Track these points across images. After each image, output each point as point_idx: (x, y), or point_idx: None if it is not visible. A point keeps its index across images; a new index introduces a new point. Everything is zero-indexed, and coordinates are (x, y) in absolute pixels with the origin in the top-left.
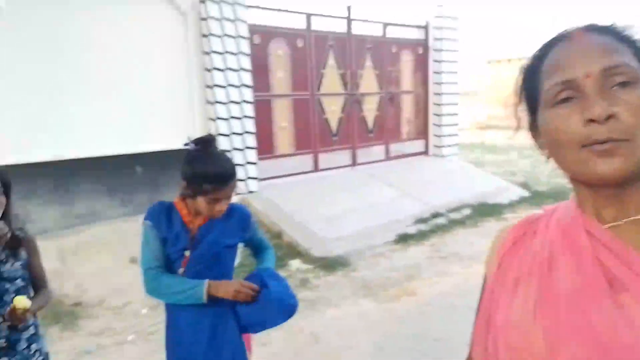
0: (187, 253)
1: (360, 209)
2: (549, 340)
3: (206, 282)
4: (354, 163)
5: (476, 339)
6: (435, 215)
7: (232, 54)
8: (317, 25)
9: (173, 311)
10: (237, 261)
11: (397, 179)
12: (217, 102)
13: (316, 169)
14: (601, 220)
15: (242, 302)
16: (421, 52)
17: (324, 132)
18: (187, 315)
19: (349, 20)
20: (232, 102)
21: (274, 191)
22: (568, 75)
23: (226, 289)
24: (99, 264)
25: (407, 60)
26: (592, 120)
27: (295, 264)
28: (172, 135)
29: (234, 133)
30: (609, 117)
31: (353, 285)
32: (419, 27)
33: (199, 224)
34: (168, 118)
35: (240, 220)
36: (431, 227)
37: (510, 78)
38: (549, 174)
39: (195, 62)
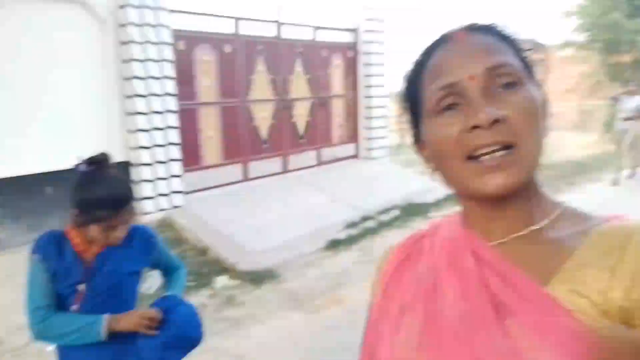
0: (81, 287)
1: (290, 217)
2: None
3: (105, 316)
4: (285, 170)
5: None
6: (366, 218)
7: (154, 61)
8: (246, 29)
9: (66, 354)
10: (158, 284)
11: (328, 184)
12: (138, 112)
13: (246, 178)
14: (489, 237)
15: (144, 335)
16: (351, 55)
17: (254, 139)
18: (83, 357)
19: (279, 24)
20: (154, 112)
21: (201, 205)
22: (450, 78)
23: (127, 319)
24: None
25: (337, 64)
26: (476, 127)
27: (221, 280)
28: (89, 150)
29: (156, 145)
30: (495, 121)
31: (280, 298)
32: (349, 30)
33: (95, 253)
34: (84, 132)
35: (143, 243)
36: (360, 231)
37: None
38: None
39: (114, 71)
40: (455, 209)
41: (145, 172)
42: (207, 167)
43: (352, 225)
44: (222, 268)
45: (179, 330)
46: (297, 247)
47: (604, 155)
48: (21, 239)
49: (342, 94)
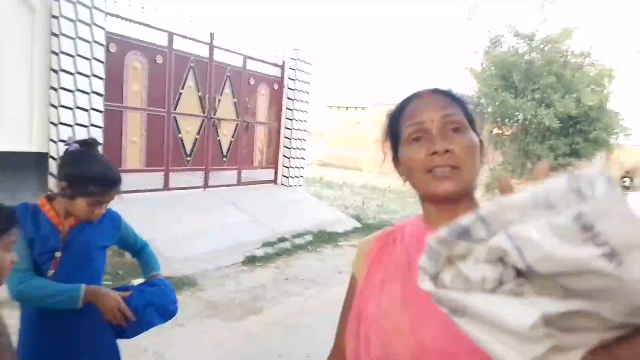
0: (58, 254)
1: (210, 231)
2: (413, 323)
3: (83, 286)
4: (206, 185)
5: (348, 332)
6: (281, 239)
7: (85, 58)
8: (179, 45)
9: (40, 318)
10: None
11: (247, 204)
12: (63, 106)
13: (167, 187)
14: None
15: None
16: (276, 88)
17: (177, 151)
18: (56, 323)
19: (211, 47)
20: (80, 108)
21: (120, 205)
22: (419, 119)
23: (104, 302)
24: None
25: (263, 94)
26: (434, 153)
27: (137, 283)
28: (5, 137)
29: None
30: (446, 151)
31: (199, 305)
32: (275, 65)
33: (69, 225)
34: (4, 119)
35: (111, 222)
36: (277, 251)
37: (347, 124)
38: (375, 209)
39: (41, 61)
40: (361, 239)
41: None
42: (128, 171)
43: (268, 244)
44: (139, 271)
45: (163, 300)
46: (215, 259)
47: None
48: None
49: (265, 122)
